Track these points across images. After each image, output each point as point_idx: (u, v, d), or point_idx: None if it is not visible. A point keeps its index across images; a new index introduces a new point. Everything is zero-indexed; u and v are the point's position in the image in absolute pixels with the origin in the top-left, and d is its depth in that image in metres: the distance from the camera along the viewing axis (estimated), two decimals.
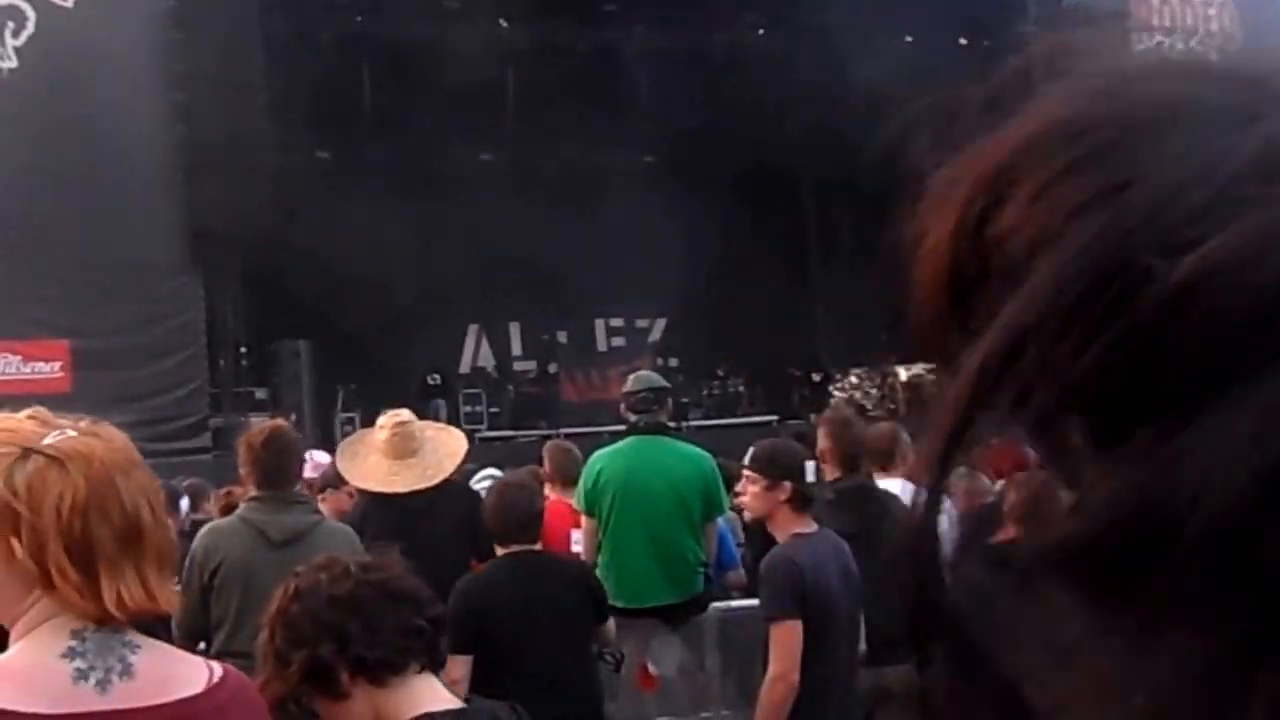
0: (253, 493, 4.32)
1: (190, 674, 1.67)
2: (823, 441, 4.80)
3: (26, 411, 1.71)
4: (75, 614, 1.57)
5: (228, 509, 5.11)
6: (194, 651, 4.06)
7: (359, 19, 16.84)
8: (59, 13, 12.92)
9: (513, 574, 4.24)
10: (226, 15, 13.08)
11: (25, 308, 12.50)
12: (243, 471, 4.41)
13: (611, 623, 4.64)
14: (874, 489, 4.87)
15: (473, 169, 18.62)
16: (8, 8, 12.76)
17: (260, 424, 4.62)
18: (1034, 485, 4.35)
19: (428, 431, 5.36)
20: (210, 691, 1.64)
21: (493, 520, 4.38)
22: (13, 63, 12.75)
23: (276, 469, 4.26)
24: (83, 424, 1.69)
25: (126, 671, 1.59)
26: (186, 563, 4.17)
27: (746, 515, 5.06)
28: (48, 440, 1.62)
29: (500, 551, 4.37)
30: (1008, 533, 4.43)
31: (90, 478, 1.58)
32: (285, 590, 2.07)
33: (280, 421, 4.63)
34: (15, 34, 12.73)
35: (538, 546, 4.40)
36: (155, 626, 1.77)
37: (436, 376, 17.14)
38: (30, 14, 12.84)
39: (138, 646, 1.62)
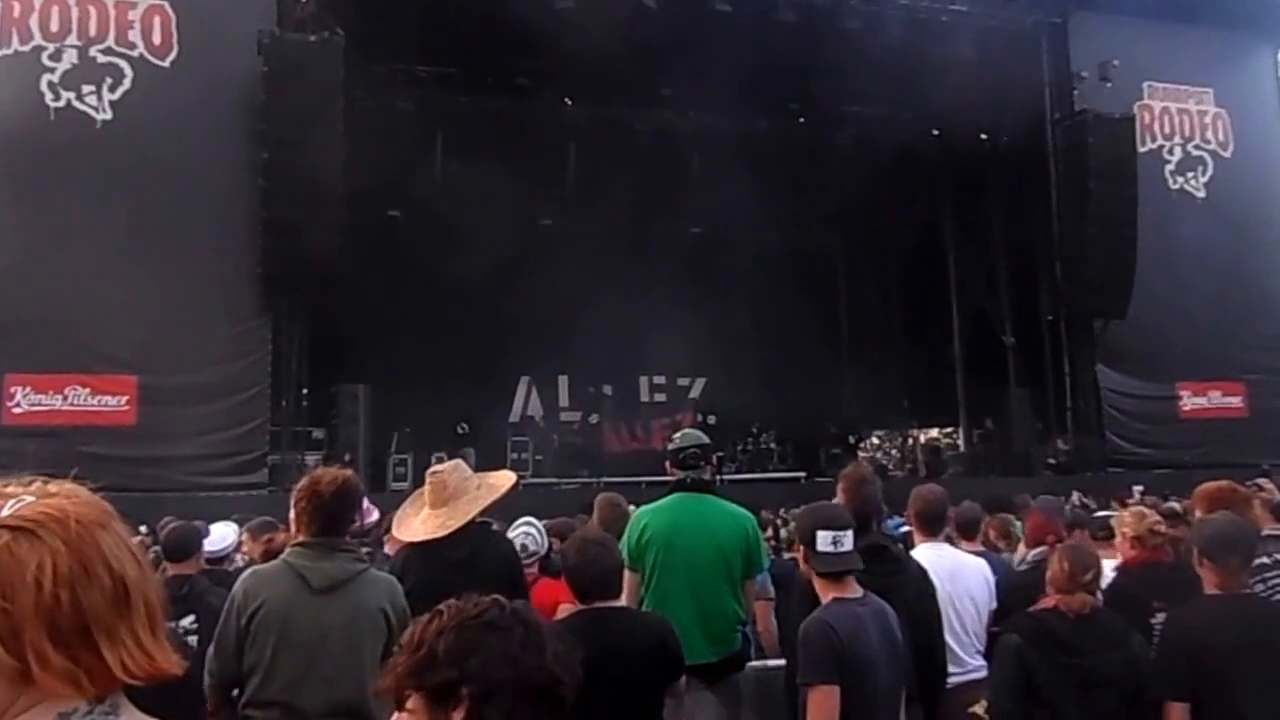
0: (300, 538, 3.76)
1: None
2: (839, 498, 4.44)
3: None
4: (64, 697, 1.23)
5: (269, 554, 4.70)
6: (225, 699, 3.57)
7: (436, 93, 16.61)
8: (156, 72, 12.50)
9: (588, 632, 3.50)
10: (313, 83, 12.48)
11: (98, 343, 11.86)
12: (294, 514, 3.80)
13: (683, 680, 4.00)
14: (888, 548, 4.35)
15: (533, 233, 18.13)
16: (108, 65, 12.34)
17: (322, 469, 3.94)
18: (1072, 555, 4.02)
19: (472, 480, 4.54)
20: None
21: (572, 578, 3.85)
22: (107, 115, 12.24)
23: (335, 518, 3.73)
24: (35, 485, 1.30)
25: None
26: (226, 605, 3.66)
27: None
28: (6, 511, 1.26)
29: (580, 606, 3.80)
30: (1049, 601, 3.98)
31: (70, 541, 1.24)
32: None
33: (348, 472, 3.97)
34: (112, 89, 12.27)
35: (619, 602, 3.87)
36: (169, 690, 1.33)
37: (465, 426, 16.33)
38: (128, 71, 12.40)
39: None
